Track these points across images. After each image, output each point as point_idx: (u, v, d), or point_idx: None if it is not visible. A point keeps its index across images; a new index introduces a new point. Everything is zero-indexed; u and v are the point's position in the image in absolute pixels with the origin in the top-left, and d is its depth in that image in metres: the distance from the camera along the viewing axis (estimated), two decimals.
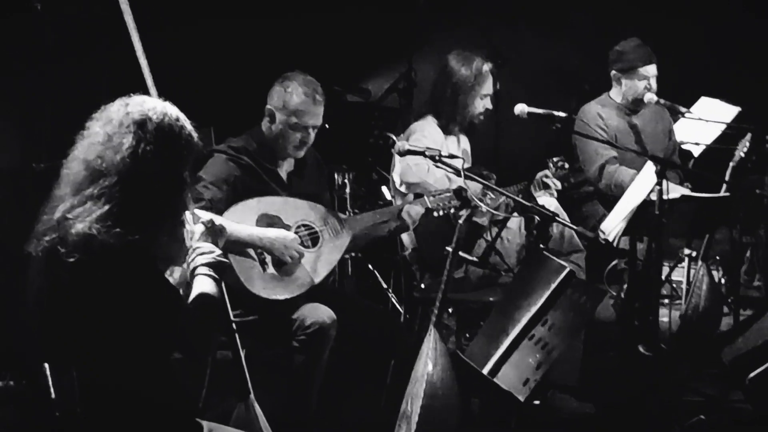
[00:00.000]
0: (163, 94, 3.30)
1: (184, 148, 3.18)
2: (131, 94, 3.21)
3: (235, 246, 4.34)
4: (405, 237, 5.59)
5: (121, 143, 3.06)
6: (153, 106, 3.15)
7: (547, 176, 5.62)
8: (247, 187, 4.67)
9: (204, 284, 3.23)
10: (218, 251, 3.32)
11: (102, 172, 3.04)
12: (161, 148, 3.09)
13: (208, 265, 3.27)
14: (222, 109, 5.90)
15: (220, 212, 4.37)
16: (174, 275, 3.35)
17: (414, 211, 4.94)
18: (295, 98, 4.73)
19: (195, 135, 3.21)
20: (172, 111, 3.18)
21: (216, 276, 3.27)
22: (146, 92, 3.30)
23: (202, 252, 3.30)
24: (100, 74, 6.06)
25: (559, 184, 5.65)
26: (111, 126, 3.10)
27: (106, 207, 2.99)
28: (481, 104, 5.73)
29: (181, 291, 3.29)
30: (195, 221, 3.39)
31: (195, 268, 3.26)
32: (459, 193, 4.47)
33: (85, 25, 6.21)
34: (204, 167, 4.65)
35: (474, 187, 5.06)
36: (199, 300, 3.20)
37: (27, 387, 5.06)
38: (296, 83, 4.76)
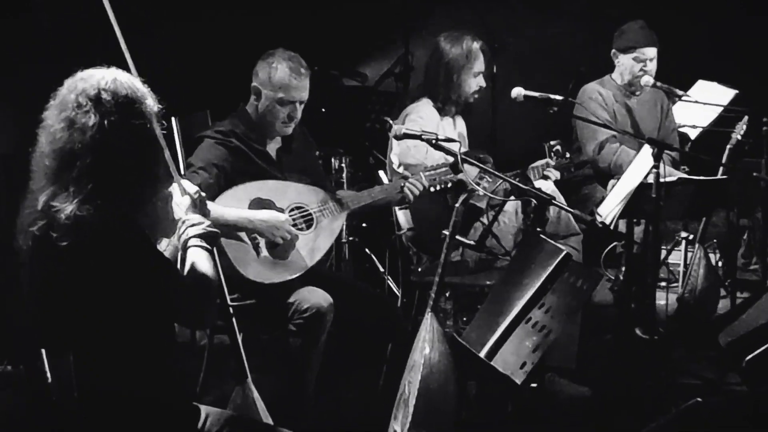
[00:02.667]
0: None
1: (147, 108, 3.16)
2: (73, 73, 3.19)
3: (225, 230, 4.33)
4: (401, 216, 5.58)
5: (86, 122, 3.05)
6: (101, 76, 3.13)
7: (548, 165, 5.62)
8: (237, 169, 4.66)
9: (197, 255, 3.24)
10: (207, 222, 3.33)
11: (76, 154, 3.03)
12: (125, 114, 3.08)
13: (198, 236, 3.28)
14: (217, 93, 5.89)
15: (211, 198, 4.36)
16: (161, 245, 3.34)
17: (416, 187, 4.93)
18: (280, 73, 4.73)
19: (149, 91, 3.20)
20: (120, 76, 3.16)
21: (208, 246, 3.28)
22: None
23: (192, 224, 3.30)
24: (98, 60, 6.05)
25: (557, 174, 5.66)
26: (69, 110, 3.08)
27: (90, 186, 2.99)
28: (475, 82, 5.71)
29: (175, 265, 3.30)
30: (182, 193, 3.39)
31: (186, 240, 3.27)
32: (455, 166, 4.47)
33: (83, 12, 6.20)
34: (194, 153, 4.65)
35: (471, 171, 5.06)
36: (194, 270, 3.20)
37: (24, 372, 5.06)
38: (281, 58, 4.76)
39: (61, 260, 2.97)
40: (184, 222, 3.32)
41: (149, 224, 3.14)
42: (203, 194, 3.42)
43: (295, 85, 4.74)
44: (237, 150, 4.71)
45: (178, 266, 3.27)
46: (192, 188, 3.42)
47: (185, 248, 3.27)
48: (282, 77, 4.72)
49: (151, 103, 3.19)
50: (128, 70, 3.28)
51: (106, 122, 3.05)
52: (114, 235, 2.98)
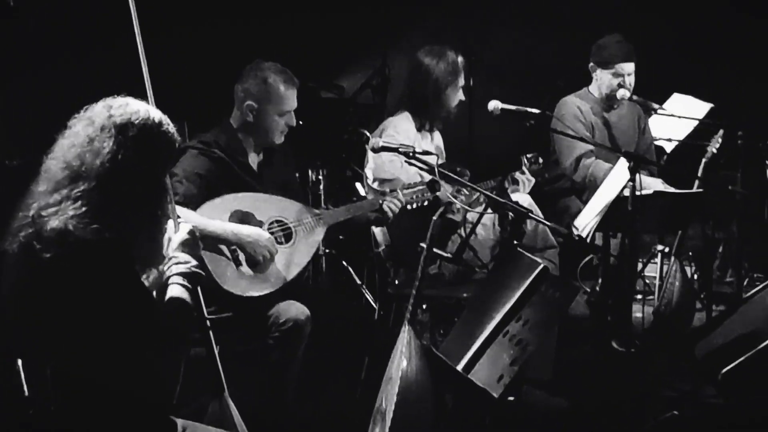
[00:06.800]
0: (136, 90, 3.28)
1: (165, 153, 3.18)
2: (115, 96, 3.19)
3: (208, 241, 4.33)
4: (378, 234, 5.59)
5: (101, 147, 3.04)
6: (136, 110, 3.13)
7: (522, 172, 5.62)
8: (220, 180, 4.68)
9: (176, 292, 3.24)
10: (194, 262, 3.33)
11: (81, 174, 3.03)
12: (142, 153, 3.08)
13: (182, 275, 3.27)
14: (195, 104, 5.88)
15: (193, 208, 4.37)
16: (149, 278, 3.34)
17: (394, 204, 4.95)
18: (279, 86, 4.81)
19: (177, 139, 3.21)
20: (154, 115, 3.16)
21: (190, 286, 3.27)
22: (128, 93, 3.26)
23: (178, 261, 3.30)
24: (75, 72, 6.03)
25: (531, 181, 5.65)
26: (93, 128, 3.08)
27: (84, 209, 2.98)
28: (458, 96, 5.72)
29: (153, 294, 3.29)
30: (176, 230, 3.39)
31: (170, 277, 3.27)
32: (432, 185, 4.49)
33: (62, 24, 6.18)
34: (177, 164, 4.65)
35: (447, 184, 5.07)
36: (171, 304, 3.20)
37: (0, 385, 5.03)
38: (273, 71, 4.83)
39: (41, 272, 2.96)
40: (171, 258, 3.31)
41: (138, 255, 3.13)
42: (197, 234, 3.42)
43: (291, 95, 4.85)
44: (220, 161, 4.73)
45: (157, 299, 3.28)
46: (186, 227, 3.41)
47: (168, 284, 3.27)
48: (282, 90, 4.82)
49: (174, 153, 3.21)
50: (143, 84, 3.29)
51: (120, 154, 3.05)
52: (95, 254, 2.96)
